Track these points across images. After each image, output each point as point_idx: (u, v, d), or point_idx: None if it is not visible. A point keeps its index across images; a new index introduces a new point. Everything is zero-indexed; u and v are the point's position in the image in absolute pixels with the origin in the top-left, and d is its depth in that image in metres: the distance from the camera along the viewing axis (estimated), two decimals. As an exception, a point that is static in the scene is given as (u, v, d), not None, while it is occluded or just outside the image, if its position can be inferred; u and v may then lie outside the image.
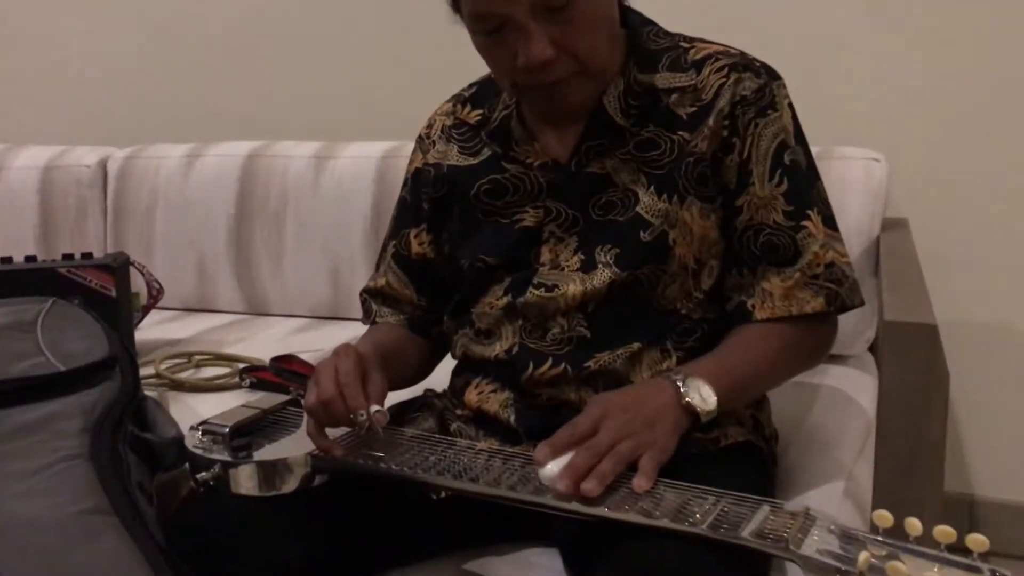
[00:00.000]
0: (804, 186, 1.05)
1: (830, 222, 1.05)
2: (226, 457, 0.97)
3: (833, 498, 1.08)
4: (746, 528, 0.78)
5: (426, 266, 1.19)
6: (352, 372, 0.95)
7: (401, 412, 1.14)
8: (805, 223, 1.03)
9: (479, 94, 1.16)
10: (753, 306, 1.03)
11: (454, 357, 1.16)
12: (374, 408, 0.93)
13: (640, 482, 0.84)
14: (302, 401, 1.10)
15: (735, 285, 1.05)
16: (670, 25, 1.11)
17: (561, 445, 0.87)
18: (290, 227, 1.98)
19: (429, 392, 1.19)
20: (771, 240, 1.02)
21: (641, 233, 1.02)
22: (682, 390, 0.92)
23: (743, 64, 1.04)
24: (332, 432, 0.98)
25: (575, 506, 0.83)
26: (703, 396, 0.92)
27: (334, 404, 0.93)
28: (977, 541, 0.70)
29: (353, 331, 1.75)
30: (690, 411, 0.92)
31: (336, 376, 0.95)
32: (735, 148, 1.02)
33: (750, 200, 1.03)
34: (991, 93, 1.74)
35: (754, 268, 1.03)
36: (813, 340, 1.06)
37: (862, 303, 1.06)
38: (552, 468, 0.86)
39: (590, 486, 0.82)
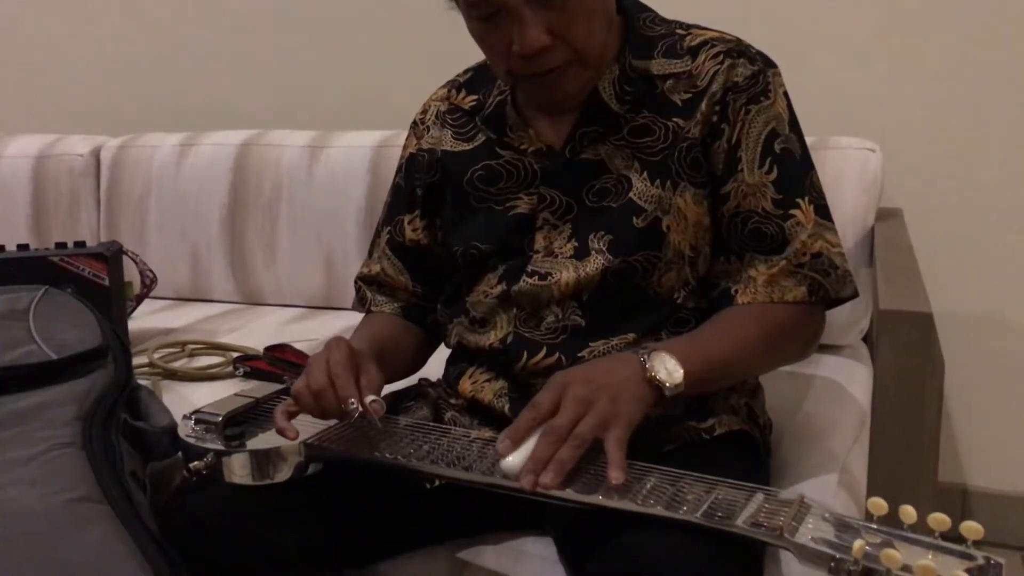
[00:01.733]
0: (795, 175, 1.04)
1: (823, 212, 1.04)
2: (219, 446, 0.97)
3: (828, 487, 1.08)
4: (740, 516, 0.77)
5: (420, 252, 1.19)
6: (343, 363, 0.95)
7: (395, 401, 1.14)
8: (794, 212, 1.02)
9: (474, 80, 1.16)
10: (736, 291, 1.02)
11: (448, 346, 1.16)
12: (370, 398, 0.93)
13: (614, 474, 0.82)
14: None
15: (722, 272, 1.04)
16: (666, 12, 1.10)
17: (523, 431, 0.86)
18: (284, 217, 1.97)
19: (423, 381, 1.19)
20: (759, 228, 1.02)
21: (634, 219, 1.02)
22: (647, 364, 0.90)
23: (738, 50, 1.04)
24: (324, 423, 0.97)
25: (569, 494, 0.83)
26: (668, 370, 0.89)
27: (324, 394, 0.93)
28: (971, 528, 0.70)
29: (347, 320, 1.75)
30: (654, 385, 0.89)
31: (327, 367, 0.94)
32: (723, 134, 1.02)
33: (738, 187, 1.02)
34: (986, 84, 1.74)
35: (741, 255, 1.03)
36: (796, 329, 1.04)
37: (854, 295, 1.05)
38: (512, 460, 0.84)
39: (547, 479, 0.82)
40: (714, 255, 1.05)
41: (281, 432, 0.95)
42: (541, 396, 0.88)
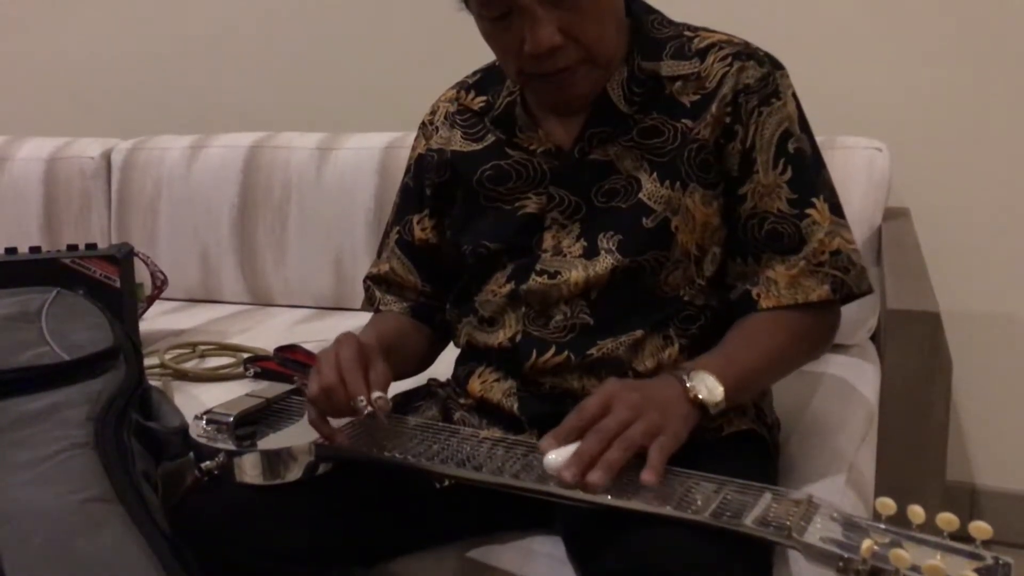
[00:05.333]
0: (809, 174, 1.04)
1: (836, 209, 1.05)
2: (230, 446, 0.97)
3: (835, 486, 1.08)
4: (749, 516, 0.78)
5: (430, 252, 1.20)
6: (353, 359, 0.95)
7: (405, 401, 1.15)
8: (809, 211, 1.03)
9: (483, 81, 1.17)
10: (758, 295, 1.02)
11: (457, 346, 1.17)
12: (376, 395, 0.93)
13: (648, 476, 0.81)
14: (305, 390, 1.11)
15: (739, 273, 1.05)
16: (673, 15, 1.11)
17: (567, 431, 0.85)
18: (293, 218, 1.98)
19: (432, 381, 1.20)
20: (775, 228, 1.02)
21: (643, 220, 1.02)
22: (688, 384, 0.91)
23: (747, 53, 1.04)
24: (335, 421, 0.98)
25: (578, 494, 0.83)
26: (709, 388, 0.91)
27: (335, 391, 0.93)
28: (980, 529, 0.70)
29: (356, 321, 1.75)
30: (698, 404, 0.90)
31: (337, 363, 0.95)
32: (737, 135, 1.02)
33: (754, 188, 1.03)
34: (993, 82, 1.74)
35: (758, 256, 1.03)
36: (819, 329, 1.05)
37: (870, 290, 1.05)
38: (555, 457, 0.83)
39: (595, 478, 0.80)
40: (730, 256, 1.05)
41: (329, 438, 0.96)
42: (589, 401, 0.87)
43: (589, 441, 0.83)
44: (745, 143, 1.02)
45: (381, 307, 1.22)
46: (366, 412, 0.92)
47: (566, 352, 1.04)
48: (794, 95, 1.06)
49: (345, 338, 0.99)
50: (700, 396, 0.90)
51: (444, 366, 1.21)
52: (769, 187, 1.02)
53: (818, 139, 1.09)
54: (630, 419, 0.84)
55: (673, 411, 0.88)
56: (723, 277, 1.06)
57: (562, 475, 0.81)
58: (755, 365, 0.98)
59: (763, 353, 0.99)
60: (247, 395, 1.09)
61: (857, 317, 1.58)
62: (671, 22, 1.09)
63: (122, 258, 1.52)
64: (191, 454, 1.03)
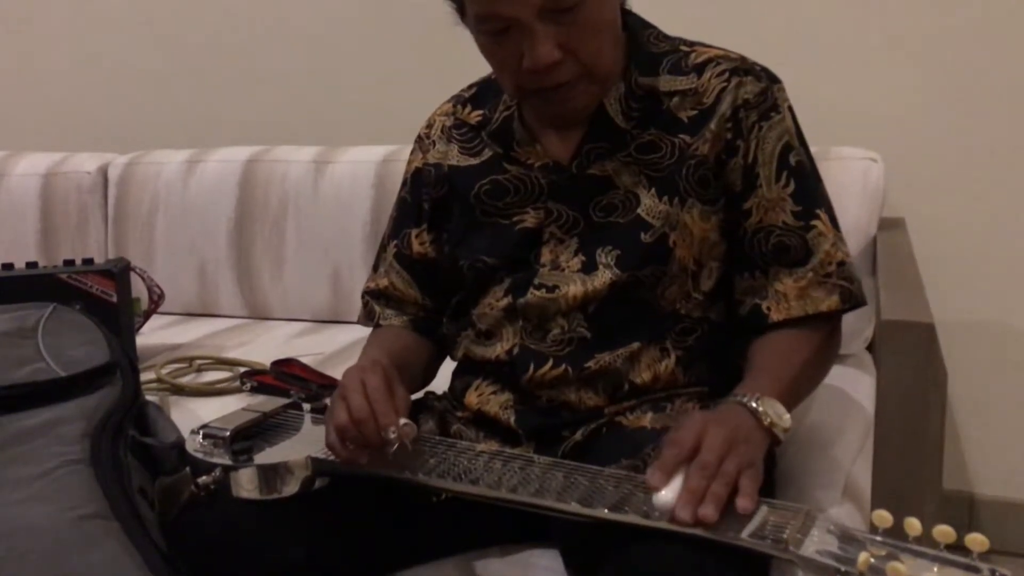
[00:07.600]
0: (811, 186, 1.05)
1: (835, 222, 1.06)
2: (227, 461, 0.97)
3: (832, 498, 1.08)
4: (746, 529, 0.78)
5: (428, 266, 1.20)
6: (381, 388, 0.94)
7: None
8: (814, 223, 1.03)
9: (479, 95, 1.17)
10: (768, 308, 1.03)
11: (454, 359, 1.17)
12: (402, 422, 0.93)
13: (746, 503, 0.81)
14: (303, 405, 1.11)
15: (747, 288, 1.05)
16: (668, 28, 1.11)
17: (670, 466, 0.84)
18: (290, 231, 1.98)
19: (430, 394, 1.19)
20: (782, 241, 1.03)
21: (642, 235, 1.03)
22: (760, 411, 0.90)
23: (744, 68, 1.05)
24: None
25: (575, 507, 0.83)
26: (778, 414, 0.91)
27: (366, 424, 0.92)
28: (976, 541, 0.70)
29: (354, 334, 1.76)
30: (768, 431, 0.90)
31: (366, 393, 0.94)
32: (739, 151, 1.03)
33: (758, 202, 1.03)
34: (987, 92, 1.75)
35: (766, 270, 1.04)
36: (836, 340, 1.07)
37: (866, 302, 1.07)
38: (667, 495, 0.83)
39: (707, 512, 0.80)
40: (736, 272, 1.05)
41: (349, 462, 0.94)
42: (683, 435, 0.86)
43: (696, 479, 0.82)
44: (747, 158, 1.03)
45: (381, 322, 1.22)
46: (396, 445, 0.92)
47: (564, 365, 1.04)
48: (790, 108, 1.07)
49: (370, 365, 0.98)
50: (772, 423, 0.90)
51: (441, 379, 1.21)
52: (773, 201, 1.03)
53: (813, 150, 1.10)
54: (724, 454, 0.84)
55: (755, 441, 0.88)
56: (721, 290, 1.06)
57: (679, 515, 0.80)
58: (799, 384, 0.99)
59: (800, 369, 1.00)
60: (244, 409, 1.09)
61: (853, 327, 1.58)
62: (667, 36, 1.10)
63: (119, 273, 1.52)
64: (188, 469, 1.03)
